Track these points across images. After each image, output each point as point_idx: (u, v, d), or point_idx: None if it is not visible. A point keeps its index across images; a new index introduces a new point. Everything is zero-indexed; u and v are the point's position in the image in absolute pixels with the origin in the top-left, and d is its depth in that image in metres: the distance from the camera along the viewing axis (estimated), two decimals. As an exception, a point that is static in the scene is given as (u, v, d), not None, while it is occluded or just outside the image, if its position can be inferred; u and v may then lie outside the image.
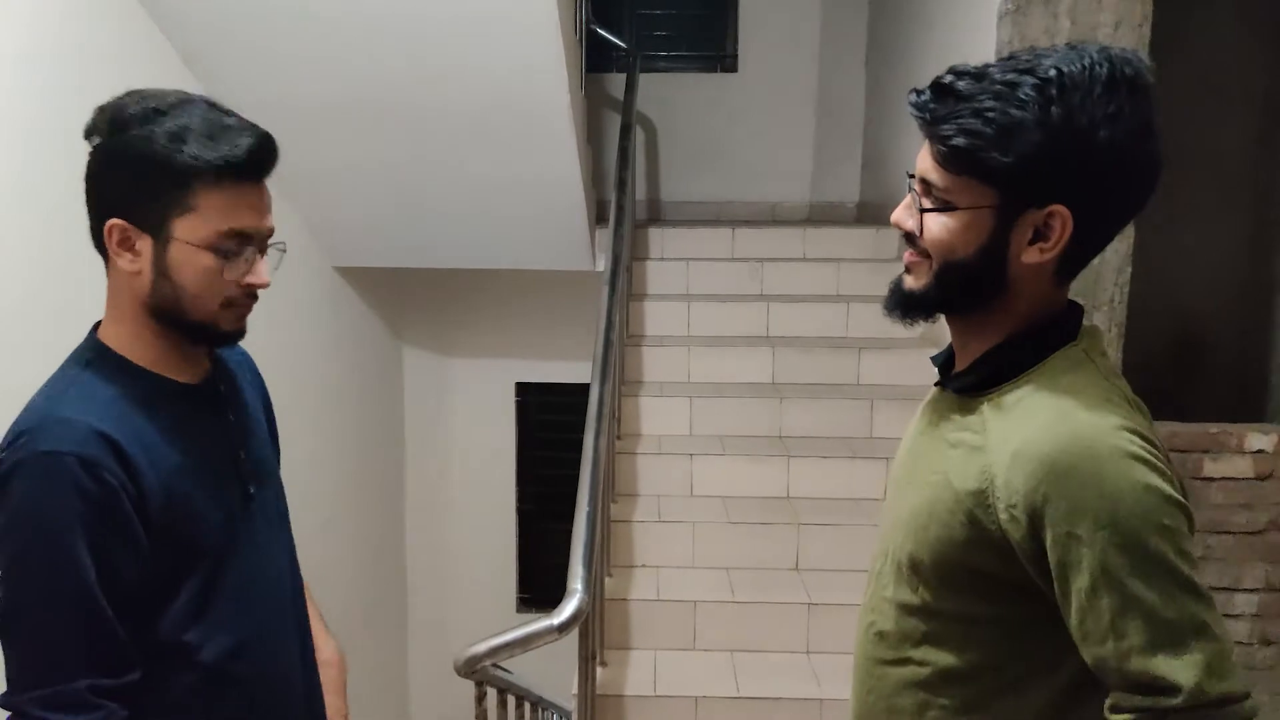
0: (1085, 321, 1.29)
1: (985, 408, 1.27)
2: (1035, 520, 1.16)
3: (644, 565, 3.77)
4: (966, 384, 1.30)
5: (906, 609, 1.34)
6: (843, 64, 6.17)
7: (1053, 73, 1.14)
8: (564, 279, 5.29)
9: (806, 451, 4.10)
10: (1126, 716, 1.14)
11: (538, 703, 2.99)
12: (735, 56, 6.28)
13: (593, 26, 5.34)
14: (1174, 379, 4.04)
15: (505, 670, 2.51)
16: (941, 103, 1.19)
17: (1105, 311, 3.50)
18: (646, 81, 5.80)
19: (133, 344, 1.39)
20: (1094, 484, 1.12)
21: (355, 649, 5.00)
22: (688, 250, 5.22)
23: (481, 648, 2.35)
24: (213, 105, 1.37)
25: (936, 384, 1.40)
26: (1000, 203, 1.18)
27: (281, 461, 1.69)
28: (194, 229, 1.32)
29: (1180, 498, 1.14)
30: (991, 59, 1.24)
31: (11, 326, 2.39)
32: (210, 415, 1.47)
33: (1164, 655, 1.10)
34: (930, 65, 4.68)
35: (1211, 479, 3.47)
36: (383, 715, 5.75)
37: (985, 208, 1.19)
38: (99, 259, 1.40)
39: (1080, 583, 1.13)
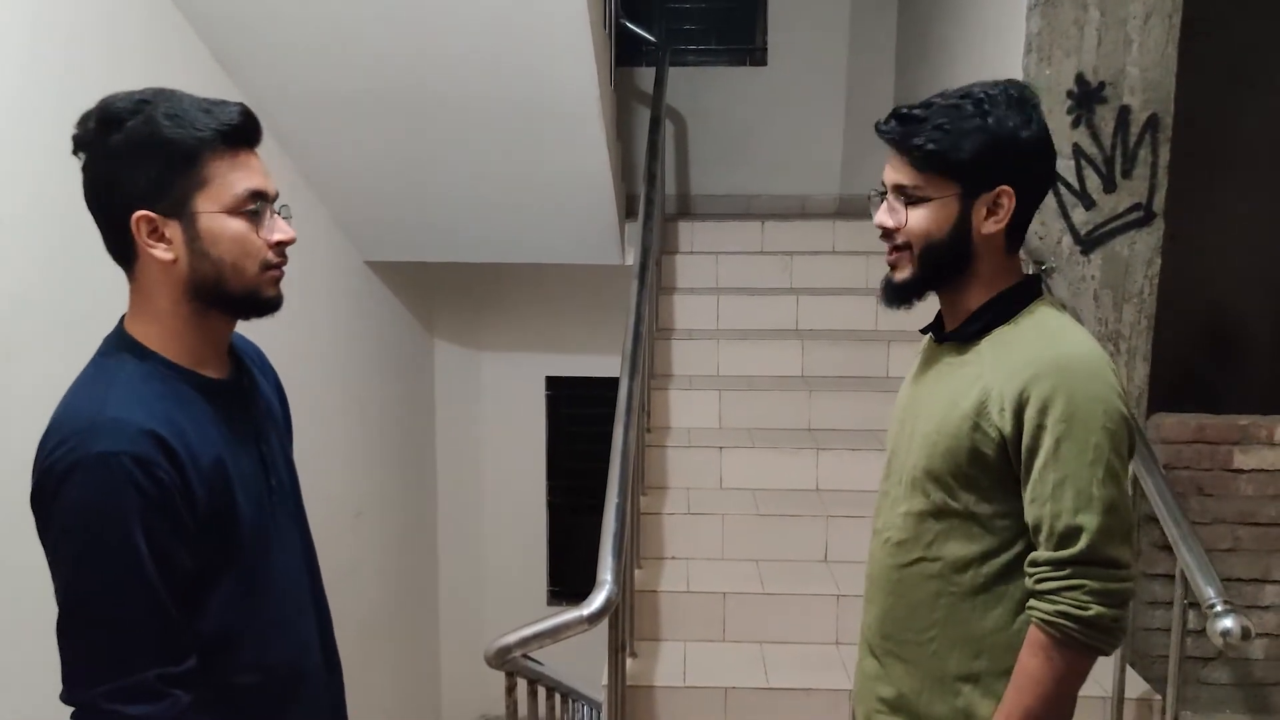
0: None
1: (981, 346, 1.64)
2: (1019, 414, 1.54)
3: (674, 557, 3.80)
4: (969, 332, 1.65)
5: (920, 516, 1.68)
6: (872, 57, 6.15)
7: (982, 95, 1.58)
8: (594, 273, 5.32)
9: (836, 444, 4.11)
10: (1042, 568, 1.53)
11: (568, 694, 3.01)
12: (765, 50, 6.27)
13: (622, 20, 5.35)
14: (1205, 371, 4.01)
15: (536, 661, 2.53)
16: (905, 126, 1.60)
17: (1135, 303, 3.49)
18: (676, 75, 5.81)
19: (166, 341, 1.41)
20: (1065, 391, 1.51)
21: (387, 640, 5.07)
22: (717, 244, 5.23)
23: (512, 639, 2.38)
24: (185, 93, 1.41)
25: (935, 341, 1.75)
26: (961, 191, 1.59)
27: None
28: (215, 198, 1.37)
29: (1128, 418, 1.55)
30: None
31: (44, 332, 2.43)
32: (237, 409, 1.51)
33: (1082, 515, 1.50)
34: (960, 58, 4.68)
35: (1241, 471, 3.45)
36: (416, 706, 5.81)
37: (951, 195, 1.59)
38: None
39: (1038, 461, 1.53)
